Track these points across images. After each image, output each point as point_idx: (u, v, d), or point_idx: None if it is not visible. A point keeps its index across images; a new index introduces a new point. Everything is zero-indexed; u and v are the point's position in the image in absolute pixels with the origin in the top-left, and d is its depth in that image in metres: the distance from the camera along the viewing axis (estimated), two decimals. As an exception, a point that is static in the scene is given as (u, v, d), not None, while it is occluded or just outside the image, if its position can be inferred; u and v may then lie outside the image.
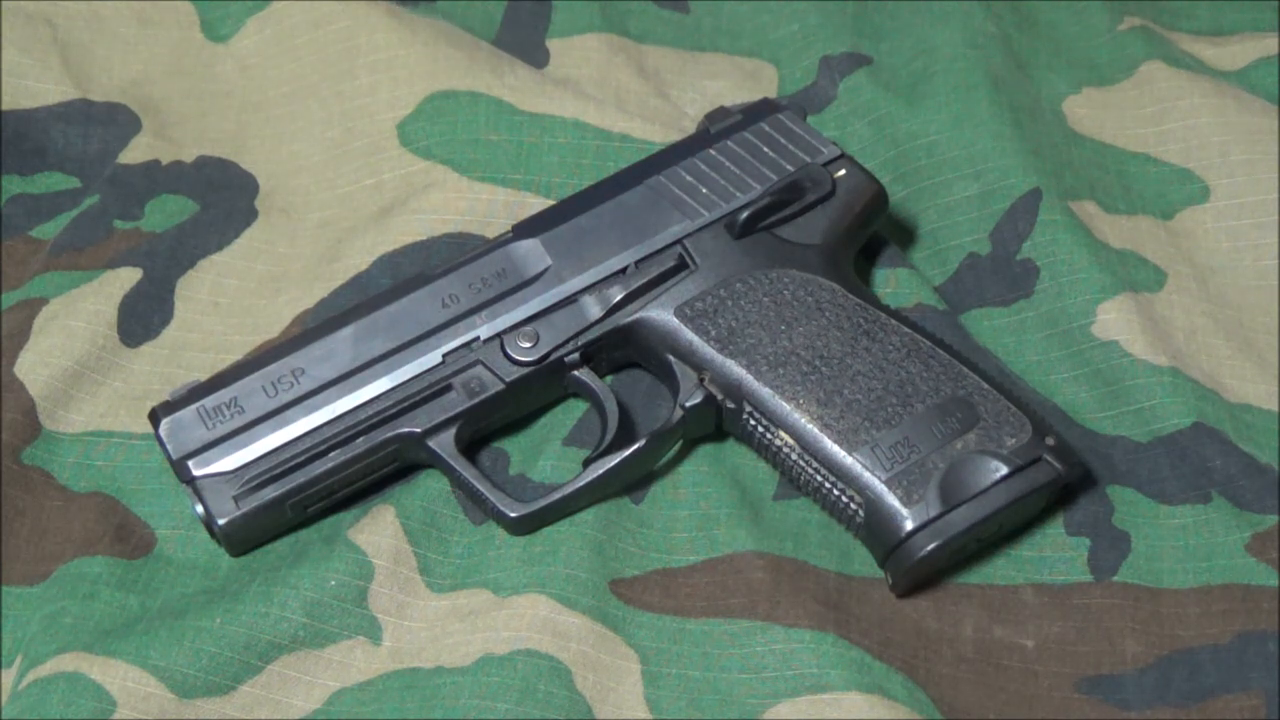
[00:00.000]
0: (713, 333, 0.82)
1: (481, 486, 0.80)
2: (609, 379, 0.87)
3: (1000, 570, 0.81)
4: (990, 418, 0.79)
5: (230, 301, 0.91)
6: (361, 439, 0.81)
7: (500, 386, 0.82)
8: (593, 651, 0.77)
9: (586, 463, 0.81)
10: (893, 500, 0.77)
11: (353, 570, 0.80)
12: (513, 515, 0.80)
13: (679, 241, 0.85)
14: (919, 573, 0.79)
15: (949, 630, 0.79)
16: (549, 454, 0.84)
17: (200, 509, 0.80)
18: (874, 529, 0.78)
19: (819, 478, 0.80)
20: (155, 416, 0.81)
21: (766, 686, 0.76)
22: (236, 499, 0.79)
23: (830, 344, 0.81)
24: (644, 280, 0.84)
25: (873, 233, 0.89)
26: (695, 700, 0.77)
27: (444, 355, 0.82)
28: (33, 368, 0.86)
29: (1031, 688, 0.78)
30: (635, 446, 0.81)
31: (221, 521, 0.79)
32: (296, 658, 0.78)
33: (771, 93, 1.00)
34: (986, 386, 0.80)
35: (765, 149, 0.87)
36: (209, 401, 0.81)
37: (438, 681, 0.77)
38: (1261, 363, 0.88)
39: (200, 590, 0.80)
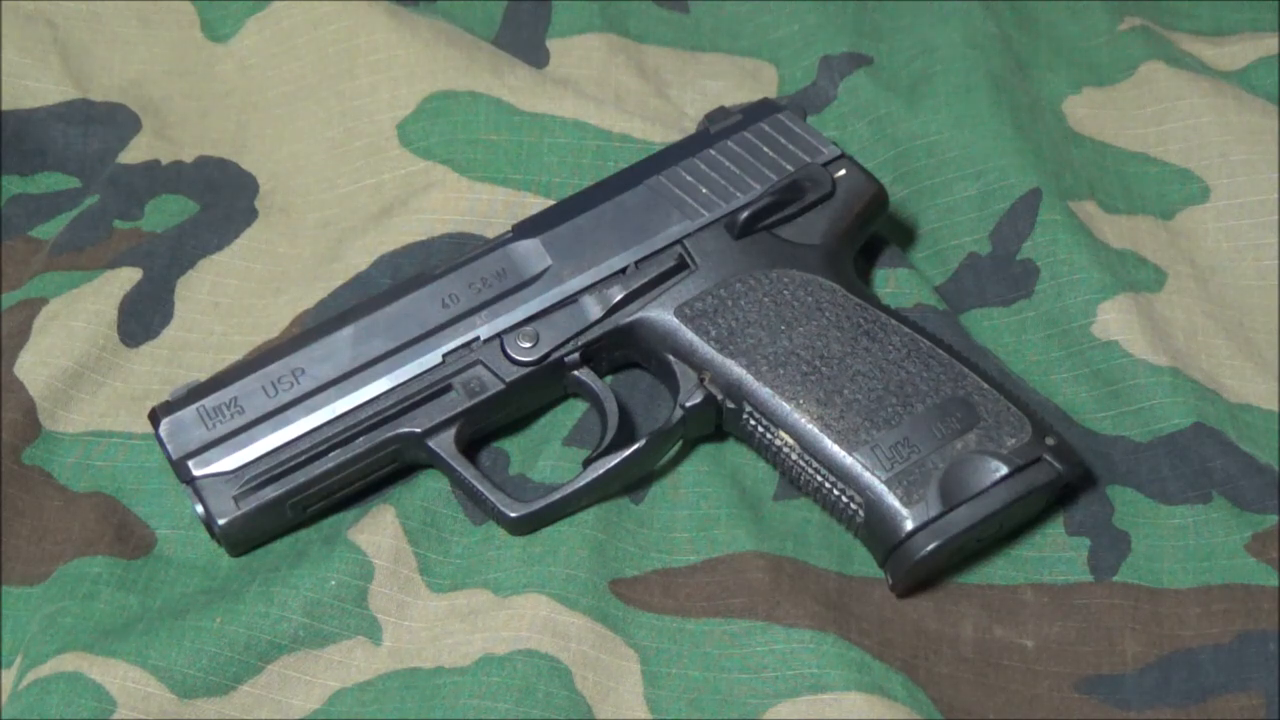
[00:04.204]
0: (713, 333, 0.82)
1: (481, 486, 0.80)
2: (609, 379, 0.87)
3: (1000, 570, 0.81)
4: (990, 418, 0.79)
5: (230, 301, 0.91)
6: (361, 439, 0.81)
7: (500, 386, 0.82)
8: (593, 651, 0.77)
9: (586, 463, 0.81)
10: (893, 500, 0.77)
11: (353, 570, 0.80)
12: (513, 515, 0.80)
13: (679, 241, 0.85)
14: (919, 573, 0.79)
15: (949, 630, 0.79)
16: (549, 454, 0.84)
17: (200, 509, 0.80)
18: (874, 529, 0.78)
19: (819, 478, 0.80)
20: (155, 416, 0.81)
21: (766, 686, 0.76)
22: (236, 499, 0.79)
23: (830, 344, 0.81)
24: (644, 280, 0.84)
25: (873, 233, 0.89)
26: (695, 700, 0.77)
27: (444, 355, 0.82)
28: (33, 368, 0.86)
29: (1031, 688, 0.78)
30: (635, 446, 0.81)
31: (221, 521, 0.79)
32: (296, 658, 0.78)
33: (771, 93, 1.00)
34: (986, 386, 0.80)
35: (765, 149, 0.87)
36: (209, 401, 0.81)
37: (438, 681, 0.77)
38: (1261, 363, 0.88)
39: (200, 590, 0.80)
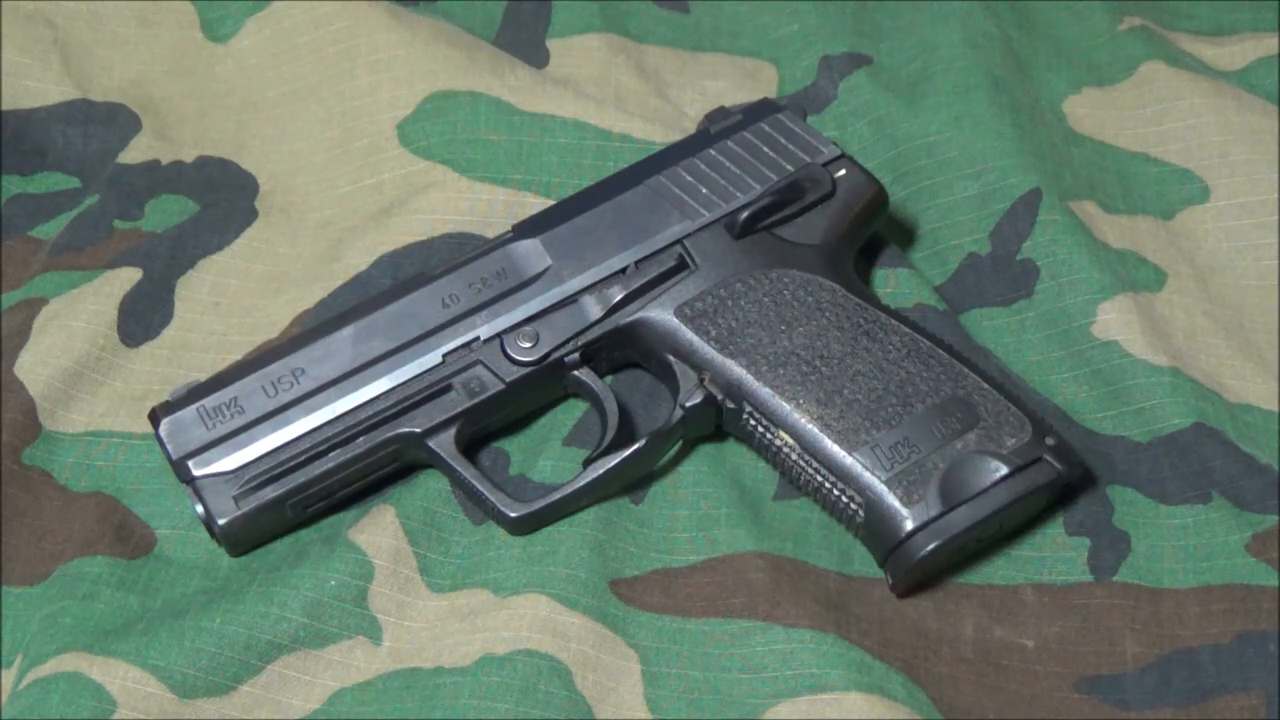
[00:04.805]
0: (713, 333, 0.82)
1: (481, 486, 0.80)
2: (609, 379, 0.87)
3: (1000, 570, 0.81)
4: (990, 418, 0.79)
5: (230, 301, 0.91)
6: (362, 439, 0.81)
7: (500, 386, 0.82)
8: (593, 651, 0.77)
9: (586, 463, 0.81)
10: (893, 500, 0.77)
11: (353, 570, 0.80)
12: (513, 515, 0.80)
13: (679, 241, 0.85)
14: (919, 573, 0.79)
15: (949, 630, 0.79)
16: (549, 454, 0.84)
17: (200, 509, 0.80)
18: (874, 529, 0.78)
19: (819, 478, 0.80)
20: (155, 416, 0.81)
21: (766, 686, 0.76)
22: (236, 499, 0.79)
23: (830, 344, 0.81)
24: (644, 280, 0.84)
25: (873, 233, 0.89)
26: (695, 700, 0.77)
27: (444, 355, 0.82)
28: (33, 368, 0.86)
29: (1031, 688, 0.78)
30: (635, 446, 0.81)
31: (221, 521, 0.79)
32: (296, 658, 0.78)
33: (771, 93, 1.00)
34: (986, 386, 0.80)
35: (765, 149, 0.87)
36: (209, 402, 0.81)
37: (438, 681, 0.77)
38: (1261, 363, 0.88)
39: (200, 590, 0.80)
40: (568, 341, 0.83)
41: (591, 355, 0.84)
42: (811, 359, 0.81)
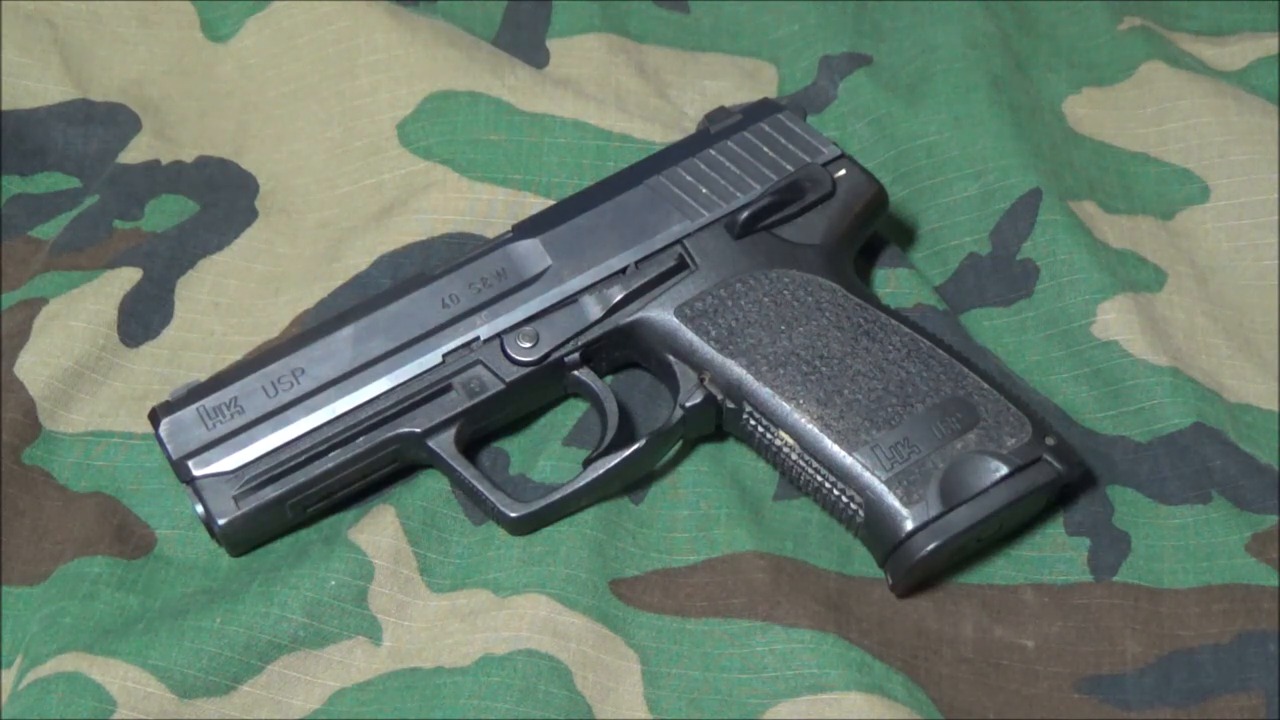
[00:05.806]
0: (713, 333, 0.82)
1: (481, 486, 0.80)
2: (609, 379, 0.87)
3: (1000, 570, 0.81)
4: (990, 418, 0.79)
5: (230, 301, 0.91)
6: (362, 439, 0.81)
7: (500, 386, 0.82)
8: (593, 651, 0.77)
9: (586, 463, 0.81)
10: (893, 500, 0.77)
11: (353, 570, 0.80)
12: (513, 515, 0.80)
13: (679, 241, 0.85)
14: (919, 573, 0.79)
15: (949, 630, 0.79)
16: (549, 454, 0.84)
17: (200, 509, 0.80)
18: (874, 529, 0.78)
19: (819, 478, 0.80)
20: (155, 416, 0.81)
21: (766, 686, 0.76)
22: (236, 499, 0.79)
23: (830, 344, 0.81)
24: (644, 280, 0.84)
25: (873, 233, 0.89)
26: (695, 700, 0.77)
27: (444, 355, 0.82)
28: (33, 368, 0.86)
29: (1031, 688, 0.78)
30: (635, 446, 0.81)
31: (221, 521, 0.79)
32: (296, 658, 0.78)
33: (771, 93, 1.00)
34: (986, 386, 0.80)
35: (765, 149, 0.87)
36: (209, 402, 0.81)
37: (438, 681, 0.77)
38: (1261, 363, 0.88)
39: (200, 590, 0.80)
40: (568, 341, 0.83)
41: (591, 355, 0.84)
42: (811, 359, 0.81)
